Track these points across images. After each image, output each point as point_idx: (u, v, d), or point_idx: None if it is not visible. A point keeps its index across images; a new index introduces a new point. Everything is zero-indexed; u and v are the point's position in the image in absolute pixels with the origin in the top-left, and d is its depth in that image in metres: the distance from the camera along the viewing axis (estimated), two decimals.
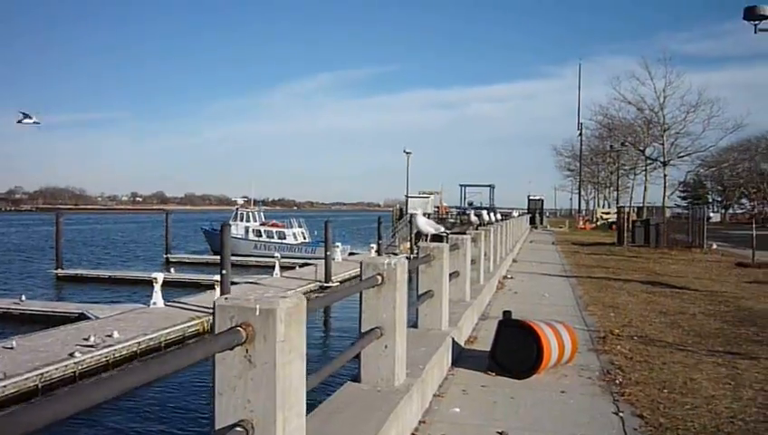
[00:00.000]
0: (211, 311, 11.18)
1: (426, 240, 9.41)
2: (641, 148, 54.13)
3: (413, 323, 7.81)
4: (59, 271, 35.54)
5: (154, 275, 23.55)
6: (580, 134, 73.88)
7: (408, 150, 67.71)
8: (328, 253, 32.51)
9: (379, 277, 5.22)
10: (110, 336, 17.49)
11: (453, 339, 7.55)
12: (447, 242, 9.57)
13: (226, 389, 2.89)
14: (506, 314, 7.35)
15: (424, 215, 47.27)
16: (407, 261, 5.63)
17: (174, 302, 24.11)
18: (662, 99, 48.44)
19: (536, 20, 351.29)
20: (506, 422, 5.41)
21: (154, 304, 22.80)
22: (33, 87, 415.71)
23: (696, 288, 15.77)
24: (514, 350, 6.87)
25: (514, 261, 21.53)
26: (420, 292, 7.75)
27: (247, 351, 2.85)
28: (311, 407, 4.90)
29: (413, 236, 57.35)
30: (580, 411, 5.72)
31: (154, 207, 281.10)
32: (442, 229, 11.05)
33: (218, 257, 47.92)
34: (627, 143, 56.65)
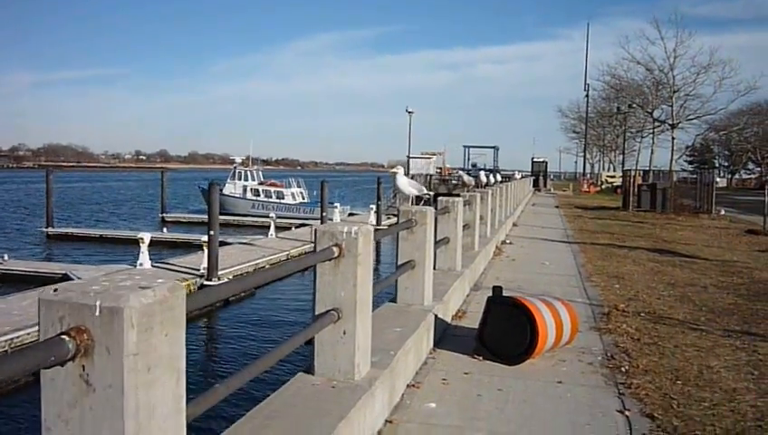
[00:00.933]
0: (198, 273, 10.11)
1: (411, 203, 8.46)
2: (649, 110, 52.65)
3: (392, 298, 6.91)
4: (49, 229, 34.75)
5: (140, 235, 22.68)
6: (587, 95, 72.32)
7: (410, 110, 66.23)
8: (324, 213, 31.66)
9: (336, 249, 4.27)
10: None
11: (436, 316, 6.64)
12: (431, 204, 8.64)
13: (56, 423, 1.97)
14: (496, 289, 6.41)
15: (415, 177, 46.01)
16: (372, 229, 4.67)
17: (162, 263, 23.35)
18: (672, 59, 46.85)
19: None
20: (489, 422, 4.52)
21: (141, 265, 22.02)
22: (38, 45, 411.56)
23: (705, 257, 14.82)
24: (505, 331, 5.95)
25: (515, 225, 20.58)
26: (400, 262, 6.83)
27: (84, 368, 1.93)
28: (257, 401, 4.03)
29: (414, 197, 56.29)
30: (579, 409, 4.83)
31: (157, 166, 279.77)
32: (425, 191, 10.09)
33: (221, 217, 47.38)
34: (634, 105, 55.18)
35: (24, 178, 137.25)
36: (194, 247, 27.90)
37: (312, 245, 4.30)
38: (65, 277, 20.97)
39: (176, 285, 2.11)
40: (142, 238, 22.30)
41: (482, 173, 18.75)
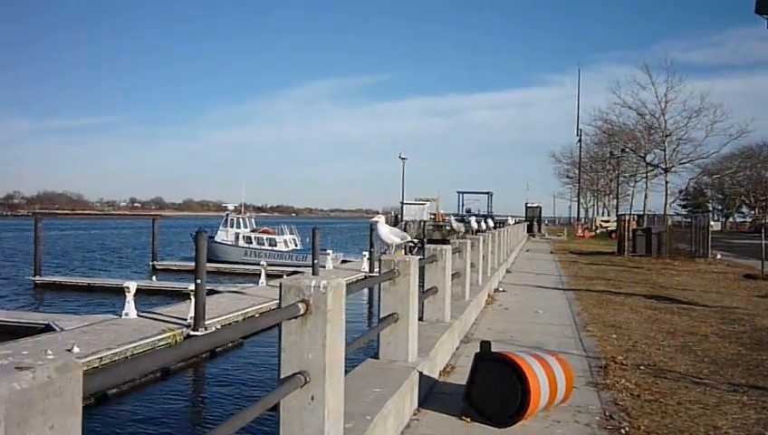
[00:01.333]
0: (185, 322, 9.45)
1: (391, 251, 8.05)
2: (642, 154, 52.73)
3: (374, 354, 6.47)
4: (37, 278, 34.14)
5: (126, 283, 22.17)
6: (579, 140, 72.68)
7: (403, 156, 66.48)
8: (315, 261, 31.21)
9: (303, 305, 3.87)
10: (69, 350, 16.19)
11: (421, 373, 6.19)
12: (421, 250, 8.25)
13: None
14: (484, 345, 5.97)
15: (408, 223, 45.92)
16: (343, 283, 4.27)
17: (148, 312, 22.75)
18: (663, 103, 47.06)
19: (534, 28, 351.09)
20: None
21: (126, 314, 21.46)
22: (33, 92, 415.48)
23: (704, 303, 14.40)
24: (495, 390, 5.50)
25: (508, 272, 20.18)
26: (382, 315, 6.41)
27: None
28: None
29: (395, 245, 55.97)
30: None
31: (151, 213, 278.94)
32: (408, 238, 9.70)
33: (212, 264, 46.83)
34: (627, 149, 55.31)
35: (17, 226, 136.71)
36: (182, 296, 27.34)
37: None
38: (48, 328, 20.45)
39: (67, 364, 1.70)
40: (128, 287, 21.79)
41: (473, 219, 18.45)
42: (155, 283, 32.52)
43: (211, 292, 30.75)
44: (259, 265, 34.14)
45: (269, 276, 37.21)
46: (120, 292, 30.91)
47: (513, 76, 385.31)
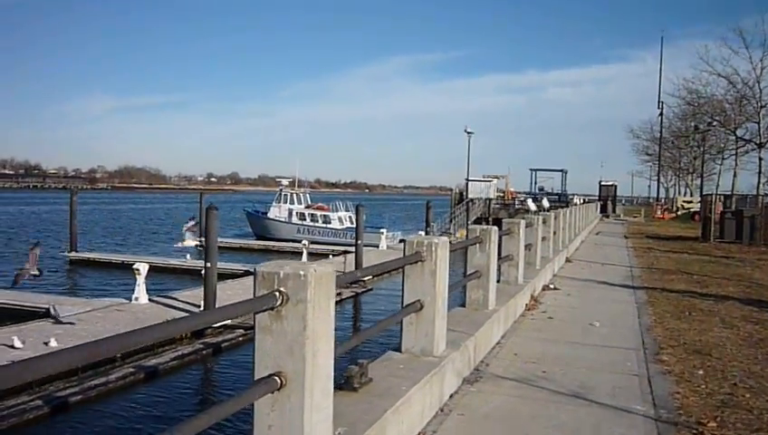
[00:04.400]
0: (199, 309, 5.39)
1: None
2: (732, 128, 47.52)
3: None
4: (72, 254, 32.73)
5: (136, 265, 19.95)
6: (661, 113, 66.99)
7: (469, 130, 62.71)
8: (359, 241, 28.43)
9: (279, 297, 3.13)
10: (46, 344, 14.08)
11: None
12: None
13: None
14: None
15: (486, 200, 42.92)
16: (331, 271, 3.36)
17: (162, 296, 20.60)
18: (759, 70, 41.74)
19: (613, 2, 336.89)
20: None
21: (136, 299, 19.38)
22: (116, 70, 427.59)
23: None
24: None
25: (568, 261, 16.89)
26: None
27: None
28: None
29: (469, 222, 52.74)
30: None
31: (226, 187, 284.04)
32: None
33: (259, 242, 44.91)
34: (715, 123, 50.06)
35: (95, 198, 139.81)
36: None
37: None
38: (48, 312, 18.49)
39: None
40: (138, 269, 19.61)
41: (528, 200, 15.40)
42: (169, 260, 30.97)
43: (245, 273, 28.60)
44: (303, 242, 31.58)
45: (316, 255, 34.85)
46: (154, 270, 29.24)
47: (592, 52, 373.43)
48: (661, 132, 68.89)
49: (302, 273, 3.20)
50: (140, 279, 19.46)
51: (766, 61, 41.76)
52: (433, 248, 5.47)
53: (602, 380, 6.24)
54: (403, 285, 5.61)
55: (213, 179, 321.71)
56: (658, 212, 59.67)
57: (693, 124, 58.88)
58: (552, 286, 12.11)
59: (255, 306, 3.21)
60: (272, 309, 3.19)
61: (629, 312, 10.12)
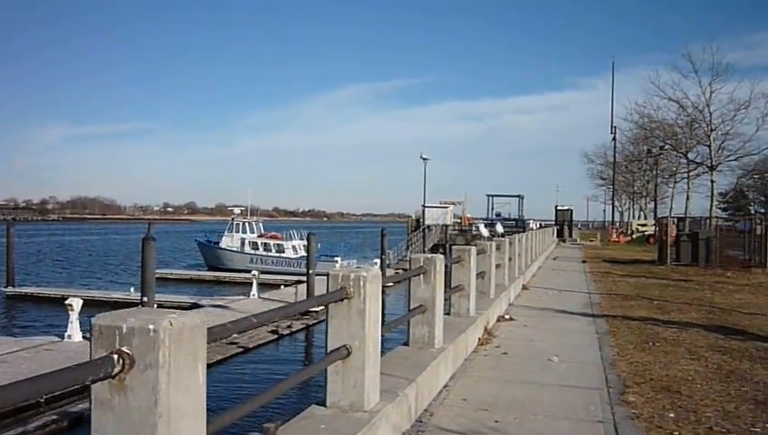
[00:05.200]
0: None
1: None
2: (683, 151, 47.92)
3: None
4: (9, 289, 30.98)
5: (69, 300, 18.64)
6: (614, 138, 67.58)
7: (425, 156, 62.30)
8: (310, 271, 27.42)
9: (119, 362, 2.32)
10: None
11: None
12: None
13: None
14: None
15: (443, 226, 42.39)
16: (200, 321, 2.60)
17: None
18: (708, 94, 42.21)
19: (567, 31, 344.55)
20: None
21: (69, 336, 18.08)
22: (68, 99, 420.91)
23: None
24: None
25: (525, 288, 16.20)
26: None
27: None
28: None
29: (426, 249, 52.17)
30: None
31: (182, 218, 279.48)
32: None
33: (210, 273, 43.50)
34: (667, 146, 50.46)
35: (41, 230, 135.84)
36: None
37: None
38: None
39: None
40: (70, 305, 18.32)
41: (481, 225, 14.73)
42: (115, 295, 29.63)
43: (194, 305, 27.35)
44: (253, 273, 30.40)
45: (268, 286, 33.71)
46: (95, 305, 27.80)
47: (547, 80, 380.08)
48: (615, 156, 69.54)
49: (151, 327, 2.35)
50: (73, 315, 18.21)
51: (715, 85, 42.33)
52: (361, 283, 4.63)
53: (562, 430, 5.43)
54: (327, 327, 4.75)
55: (169, 209, 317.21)
56: (614, 236, 59.85)
57: (645, 148, 59.47)
58: (507, 317, 11.34)
59: (86, 374, 2.30)
60: (111, 377, 2.31)
61: (590, 343, 9.37)
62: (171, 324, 2.37)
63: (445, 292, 7.75)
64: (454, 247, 9.54)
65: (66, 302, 18.61)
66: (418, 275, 6.89)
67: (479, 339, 8.98)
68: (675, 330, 10.70)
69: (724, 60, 42.50)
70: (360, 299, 4.63)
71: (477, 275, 10.94)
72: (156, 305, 18.96)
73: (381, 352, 6.84)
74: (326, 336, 4.75)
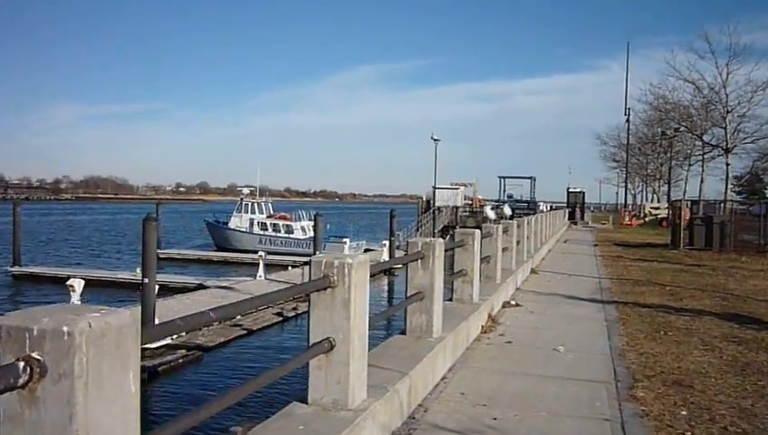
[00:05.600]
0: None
1: None
2: (698, 133, 47.03)
3: None
4: (14, 269, 30.89)
5: (71, 281, 18.43)
6: (628, 120, 66.74)
7: (435, 137, 61.57)
8: (317, 252, 27.10)
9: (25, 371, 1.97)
10: None
11: None
12: None
13: None
14: None
15: (453, 208, 42.00)
16: (127, 322, 2.18)
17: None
18: (725, 75, 41.25)
19: (581, 13, 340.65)
20: None
21: None
22: (82, 79, 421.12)
23: None
24: None
25: (533, 272, 15.79)
26: None
27: None
28: None
29: (436, 231, 51.72)
30: None
31: (194, 198, 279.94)
32: None
33: (218, 253, 43.34)
34: (681, 128, 49.57)
35: (54, 209, 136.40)
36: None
37: None
38: None
39: None
40: (72, 286, 18.11)
41: (487, 207, 14.35)
42: (107, 274, 29.68)
43: (199, 287, 27.13)
44: (260, 254, 30.12)
45: (276, 267, 33.46)
46: (100, 285, 27.70)
47: (560, 61, 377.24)
48: (628, 138, 68.69)
49: (65, 330, 2.00)
50: (75, 297, 18.01)
51: (732, 66, 41.35)
52: (346, 270, 4.25)
53: (565, 428, 5.05)
54: (309, 318, 4.39)
55: (181, 189, 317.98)
56: (627, 219, 59.15)
57: (660, 130, 58.51)
58: (513, 303, 10.95)
59: None
60: (18, 387, 1.96)
61: (599, 332, 8.97)
62: (90, 326, 2.01)
63: (448, 276, 7.38)
64: (457, 231, 9.14)
65: (68, 283, 18.40)
66: (416, 260, 6.50)
67: (482, 327, 8.60)
68: (687, 318, 10.27)
69: (741, 41, 41.52)
70: (345, 288, 4.26)
71: (482, 259, 10.55)
72: (157, 287, 18.76)
73: (377, 341, 6.50)
74: (308, 328, 4.38)
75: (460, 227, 41.77)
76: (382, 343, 6.20)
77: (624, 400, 5.89)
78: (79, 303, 17.91)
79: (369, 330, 4.62)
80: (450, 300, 8.86)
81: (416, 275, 6.54)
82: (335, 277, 4.25)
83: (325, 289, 4.29)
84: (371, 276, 4.70)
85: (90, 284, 28.55)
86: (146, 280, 16.59)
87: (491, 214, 43.42)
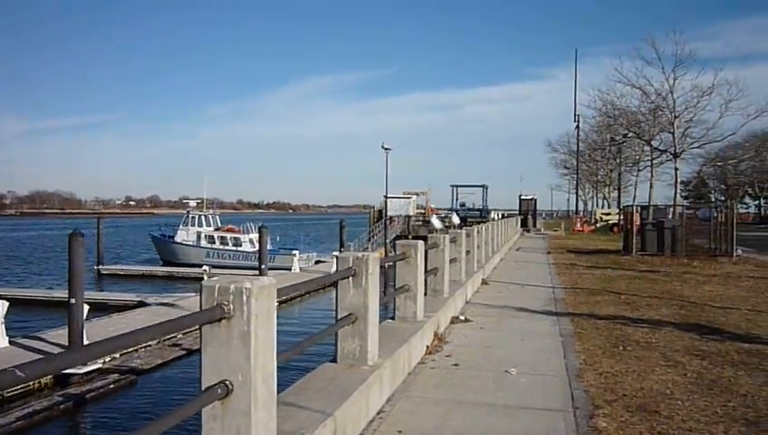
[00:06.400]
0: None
1: None
2: (646, 139, 47.32)
3: None
4: None
5: None
6: (577, 126, 67.21)
7: (386, 146, 60.88)
8: (263, 266, 26.13)
9: None
10: None
11: None
12: None
13: None
14: None
15: (405, 217, 41.22)
16: None
17: (29, 337, 17.92)
18: (672, 80, 41.52)
19: (529, 23, 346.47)
20: None
21: None
22: (28, 92, 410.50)
23: None
24: None
25: (484, 283, 15.13)
26: None
27: None
28: None
29: (387, 240, 51.01)
30: None
31: (144, 211, 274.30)
32: None
33: (163, 268, 41.84)
34: (630, 134, 49.84)
35: (2, 226, 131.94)
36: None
37: None
38: None
39: None
40: None
41: (433, 217, 13.67)
42: (56, 293, 28.24)
43: (140, 304, 25.86)
44: (204, 268, 28.98)
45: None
46: (29, 304, 26.31)
47: (509, 71, 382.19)
48: (578, 145, 69.16)
49: None
50: None
51: (678, 71, 41.65)
52: (244, 298, 3.42)
53: None
54: (200, 357, 3.54)
55: (132, 203, 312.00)
56: (578, 225, 59.37)
57: (609, 136, 58.96)
58: (462, 318, 10.22)
59: None
60: None
61: (554, 349, 8.28)
62: None
63: (388, 293, 6.60)
64: (398, 242, 8.37)
65: None
66: (346, 277, 5.70)
67: (427, 347, 7.83)
68: (646, 330, 9.67)
69: (686, 48, 41.94)
70: (244, 319, 3.43)
71: (429, 271, 9.83)
72: (95, 305, 17.53)
73: (305, 369, 5.67)
74: (200, 369, 3.53)
75: (412, 237, 41.06)
76: (306, 375, 5.37)
77: (584, 432, 5.16)
78: (2, 325, 16.71)
79: (298, 357, 3.81)
80: (392, 318, 8.09)
81: (347, 295, 5.73)
82: (231, 306, 3.42)
83: (219, 321, 3.45)
84: (284, 302, 3.88)
85: (18, 303, 27.22)
86: (72, 300, 15.41)
87: (437, 223, 42.72)
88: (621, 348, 8.35)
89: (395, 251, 8.21)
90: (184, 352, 18.42)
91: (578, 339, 8.87)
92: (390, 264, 8.26)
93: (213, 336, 3.48)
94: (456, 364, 7.28)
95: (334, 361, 5.80)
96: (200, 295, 3.53)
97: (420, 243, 8.17)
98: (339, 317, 5.70)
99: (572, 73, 70.95)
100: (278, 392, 4.75)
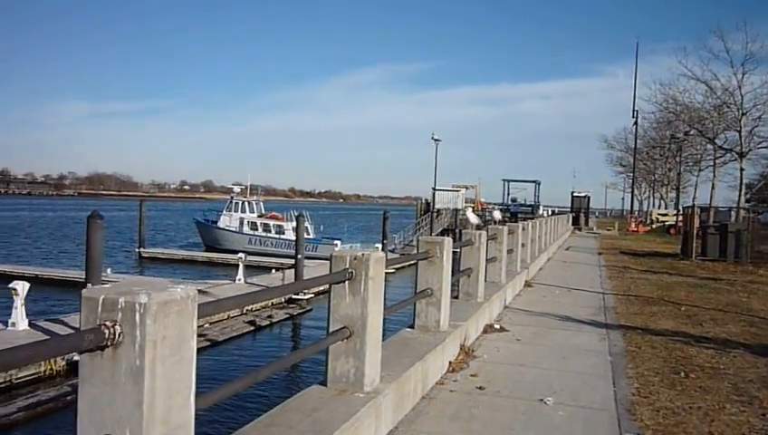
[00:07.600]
0: None
1: None
2: (710, 136, 44.83)
3: None
4: None
5: (13, 283, 16.53)
6: (635, 122, 64.44)
7: (436, 138, 59.49)
8: (299, 255, 25.20)
9: None
10: None
11: None
12: None
13: None
14: None
15: (453, 210, 39.96)
16: None
17: (48, 320, 17.47)
18: (740, 75, 39.10)
19: (588, 18, 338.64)
20: None
21: (13, 324, 16.08)
22: (91, 76, 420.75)
23: None
24: None
25: (527, 285, 13.82)
26: None
27: None
28: None
29: (434, 233, 49.69)
30: None
31: (197, 196, 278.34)
32: None
33: (203, 253, 41.45)
34: (693, 131, 47.33)
35: (53, 205, 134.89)
36: None
37: None
38: None
39: None
40: (15, 290, 16.23)
41: (468, 211, 12.49)
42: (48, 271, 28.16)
43: None
44: (239, 256, 28.13)
45: (256, 268, 31.54)
46: (55, 284, 26.09)
47: (565, 66, 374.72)
48: (636, 141, 66.43)
49: None
50: (18, 301, 16.20)
51: (748, 66, 39.17)
52: (137, 318, 2.31)
53: None
54: (76, 404, 2.44)
55: (186, 187, 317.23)
56: (633, 225, 57.00)
57: (669, 133, 56.34)
58: (497, 326, 8.98)
59: None
60: None
61: (601, 372, 6.99)
62: None
63: (411, 297, 5.46)
64: (422, 240, 7.17)
65: (10, 286, 16.52)
66: (342, 282, 4.56)
67: (450, 363, 6.64)
68: (712, 352, 8.27)
69: (756, 44, 39.37)
70: (134, 351, 2.32)
71: (462, 272, 8.65)
72: None
73: (283, 396, 4.58)
74: (75, 420, 2.44)
75: (459, 231, 39.42)
76: (283, 404, 4.25)
77: None
78: (21, 309, 16.18)
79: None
80: (412, 327, 6.94)
81: (341, 303, 4.60)
82: (116, 332, 2.32)
83: (102, 349, 2.36)
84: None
85: (53, 283, 26.97)
86: (89, 284, 14.68)
87: (472, 218, 40.57)
88: (683, 375, 7.01)
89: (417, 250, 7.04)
90: (208, 343, 17.75)
91: (630, 360, 7.55)
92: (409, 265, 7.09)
93: (95, 371, 2.38)
94: (481, 387, 6.07)
95: (324, 383, 4.68)
96: (80, 313, 2.44)
97: (447, 240, 6.97)
98: (330, 330, 4.58)
99: (631, 71, 68.11)
100: (238, 429, 3.67)
